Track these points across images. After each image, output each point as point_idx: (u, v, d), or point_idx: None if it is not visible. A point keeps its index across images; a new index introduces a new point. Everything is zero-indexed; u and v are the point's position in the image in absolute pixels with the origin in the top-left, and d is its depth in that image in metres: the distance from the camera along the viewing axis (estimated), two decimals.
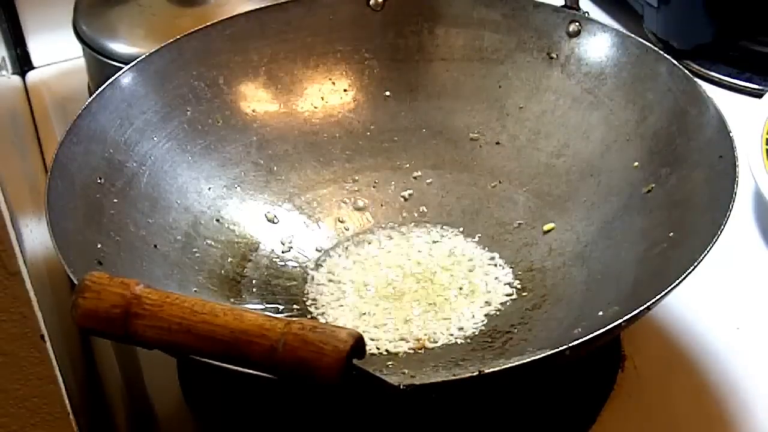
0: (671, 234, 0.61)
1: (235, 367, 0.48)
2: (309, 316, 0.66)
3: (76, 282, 0.53)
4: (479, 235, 0.71)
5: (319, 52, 0.77)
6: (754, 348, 0.68)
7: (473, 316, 0.66)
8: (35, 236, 0.64)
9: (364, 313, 0.66)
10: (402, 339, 0.64)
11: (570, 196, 0.70)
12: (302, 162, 0.75)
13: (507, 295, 0.67)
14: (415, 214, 0.73)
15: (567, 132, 0.72)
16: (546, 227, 0.70)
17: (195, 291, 0.65)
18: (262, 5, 0.78)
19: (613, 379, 0.66)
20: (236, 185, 0.72)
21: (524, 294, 0.67)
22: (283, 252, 0.71)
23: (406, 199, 0.74)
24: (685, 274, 0.54)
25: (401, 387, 0.49)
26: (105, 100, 0.68)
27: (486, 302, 0.67)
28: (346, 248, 0.71)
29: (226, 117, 0.74)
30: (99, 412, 0.66)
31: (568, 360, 0.52)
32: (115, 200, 0.65)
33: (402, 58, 0.77)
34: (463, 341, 0.64)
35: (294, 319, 0.47)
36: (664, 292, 0.54)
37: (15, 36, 0.97)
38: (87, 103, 0.67)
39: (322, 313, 0.67)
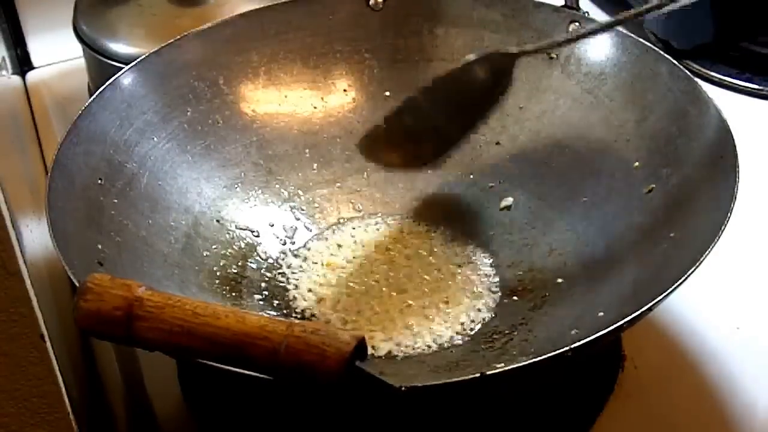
0: (672, 234, 0.61)
1: (237, 369, 0.48)
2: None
3: (76, 282, 0.53)
4: (479, 235, 0.71)
5: (318, 52, 0.77)
6: (754, 348, 0.68)
7: (473, 317, 0.66)
8: (35, 236, 0.64)
9: (364, 313, 0.66)
10: (402, 340, 0.64)
11: (570, 196, 0.70)
12: (302, 162, 0.75)
13: (507, 296, 0.67)
14: (415, 214, 0.73)
15: (567, 132, 0.72)
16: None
17: (195, 291, 0.65)
18: (262, 5, 0.78)
19: (613, 379, 0.66)
20: (236, 185, 0.72)
21: (524, 294, 0.67)
22: (283, 252, 0.71)
23: (406, 200, 0.74)
24: (686, 276, 0.54)
25: (402, 389, 0.48)
26: (105, 101, 0.68)
27: (486, 302, 0.67)
28: (346, 248, 0.71)
29: (226, 117, 0.74)
30: (99, 412, 0.66)
31: (569, 361, 0.52)
32: (116, 201, 0.65)
33: (402, 58, 0.77)
34: (462, 341, 0.64)
35: (296, 321, 0.47)
36: (665, 294, 0.53)
37: (15, 36, 0.97)
38: (87, 103, 0.67)
39: (323, 313, 0.67)
